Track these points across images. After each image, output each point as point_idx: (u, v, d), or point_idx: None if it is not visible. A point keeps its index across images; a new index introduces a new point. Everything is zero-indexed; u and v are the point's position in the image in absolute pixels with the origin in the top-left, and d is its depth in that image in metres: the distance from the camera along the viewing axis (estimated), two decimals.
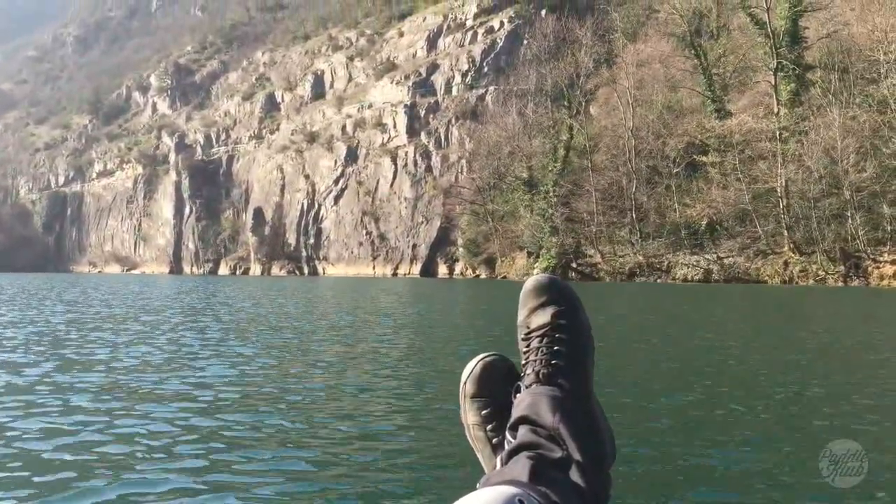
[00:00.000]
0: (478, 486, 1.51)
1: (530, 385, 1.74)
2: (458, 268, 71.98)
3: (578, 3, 77.38)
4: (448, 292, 30.77)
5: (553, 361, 1.75)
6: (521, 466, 1.52)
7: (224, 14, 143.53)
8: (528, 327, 1.84)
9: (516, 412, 1.69)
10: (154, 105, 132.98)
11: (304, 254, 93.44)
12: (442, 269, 74.69)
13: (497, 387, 1.80)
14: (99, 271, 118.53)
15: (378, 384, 6.14)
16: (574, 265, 53.10)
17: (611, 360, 7.49)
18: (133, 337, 9.89)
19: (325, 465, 3.67)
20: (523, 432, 1.63)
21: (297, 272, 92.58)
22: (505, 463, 1.60)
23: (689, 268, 46.33)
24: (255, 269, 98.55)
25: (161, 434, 4.32)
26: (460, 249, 71.22)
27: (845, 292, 30.14)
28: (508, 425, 1.69)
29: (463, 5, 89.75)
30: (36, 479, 3.47)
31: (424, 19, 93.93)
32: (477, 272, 66.72)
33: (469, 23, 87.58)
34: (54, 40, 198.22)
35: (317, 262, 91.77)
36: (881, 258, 38.17)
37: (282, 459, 3.76)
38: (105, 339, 9.65)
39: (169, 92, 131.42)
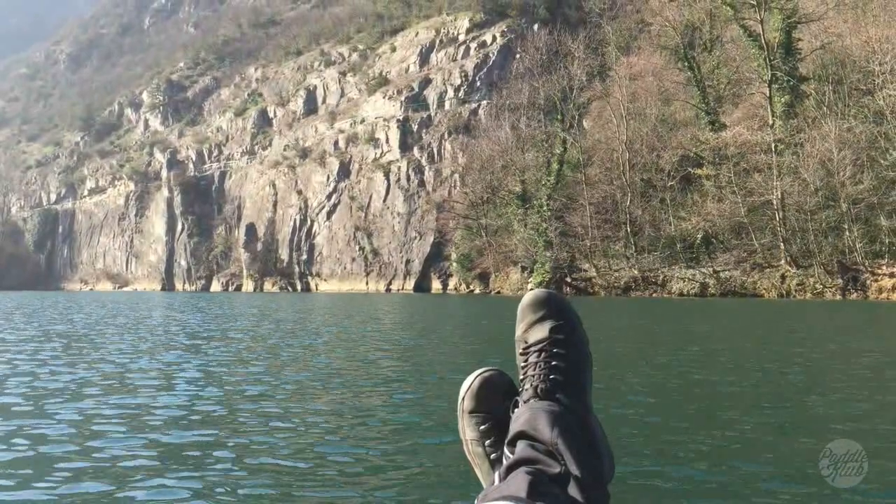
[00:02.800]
0: (476, 501, 1.54)
1: (528, 400, 1.74)
2: (452, 283, 71.36)
3: (570, 16, 77.40)
4: (443, 309, 30.23)
5: (551, 376, 1.75)
6: (519, 482, 1.53)
7: (216, 30, 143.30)
8: (526, 342, 1.85)
9: (514, 427, 1.69)
10: (146, 121, 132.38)
11: (296, 270, 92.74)
12: (435, 285, 74.13)
13: (495, 402, 1.81)
14: (91, 289, 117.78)
15: (374, 399, 6.09)
16: (568, 280, 52.61)
17: (607, 376, 7.32)
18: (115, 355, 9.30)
19: (319, 482, 3.61)
20: (521, 447, 1.64)
21: (290, 288, 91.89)
22: (503, 478, 1.61)
23: (684, 282, 45.88)
24: (248, 286, 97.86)
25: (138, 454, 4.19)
26: (454, 264, 70.62)
27: (843, 306, 29.64)
28: (507, 440, 1.70)
29: (455, 20, 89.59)
30: None
31: (417, 34, 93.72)
32: (471, 287, 66.14)
33: (461, 37, 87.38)
34: (47, 58, 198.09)
35: (309, 277, 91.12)
36: (879, 271, 37.73)
37: (274, 476, 3.69)
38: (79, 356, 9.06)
39: (161, 108, 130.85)
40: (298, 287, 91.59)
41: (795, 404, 5.85)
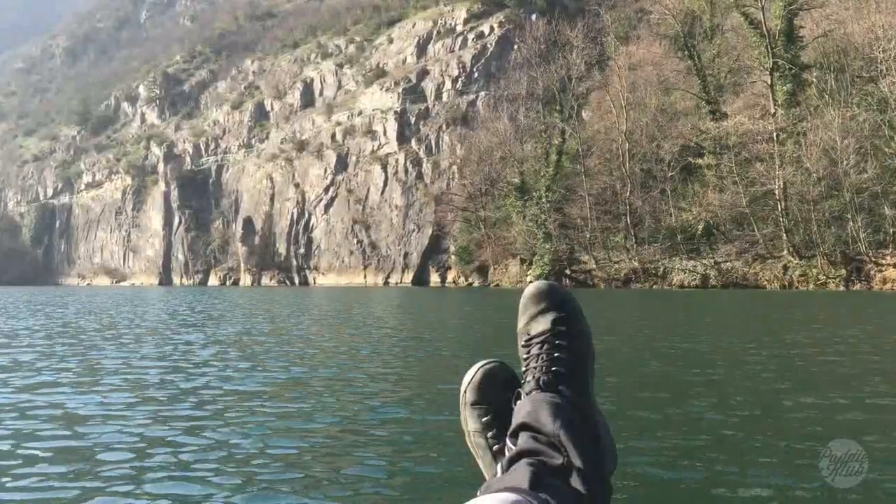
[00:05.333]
0: (478, 493, 1.54)
1: (531, 392, 1.75)
2: (451, 276, 70.89)
3: (568, 6, 76.64)
4: (443, 304, 29.76)
5: (553, 368, 1.76)
6: (521, 473, 1.54)
7: (213, 23, 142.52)
8: (528, 334, 1.85)
9: (517, 419, 1.70)
10: (143, 115, 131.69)
11: (294, 263, 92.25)
12: (434, 278, 73.63)
13: (497, 394, 1.81)
14: (88, 284, 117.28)
15: (375, 392, 6.08)
16: (568, 272, 52.13)
17: (610, 369, 7.24)
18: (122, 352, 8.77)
19: (321, 476, 3.57)
20: (524, 439, 1.65)
21: (288, 282, 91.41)
22: (505, 470, 1.62)
23: (685, 273, 45.39)
24: (245, 280, 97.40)
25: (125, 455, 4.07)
26: (452, 257, 70.19)
27: (847, 297, 29.16)
28: (509, 432, 1.71)
29: (452, 11, 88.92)
30: None
31: (414, 25, 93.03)
32: (470, 280, 65.69)
33: (459, 28, 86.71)
34: (43, 52, 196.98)
35: (307, 271, 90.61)
36: (883, 261, 37.25)
37: (276, 473, 3.62)
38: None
39: (158, 102, 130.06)
40: (296, 281, 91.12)
41: (792, 400, 5.65)
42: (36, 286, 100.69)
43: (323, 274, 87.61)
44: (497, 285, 58.95)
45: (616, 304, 24.83)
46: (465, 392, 1.85)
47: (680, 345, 10.21)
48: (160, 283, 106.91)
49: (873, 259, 37.49)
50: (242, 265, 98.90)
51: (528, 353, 1.83)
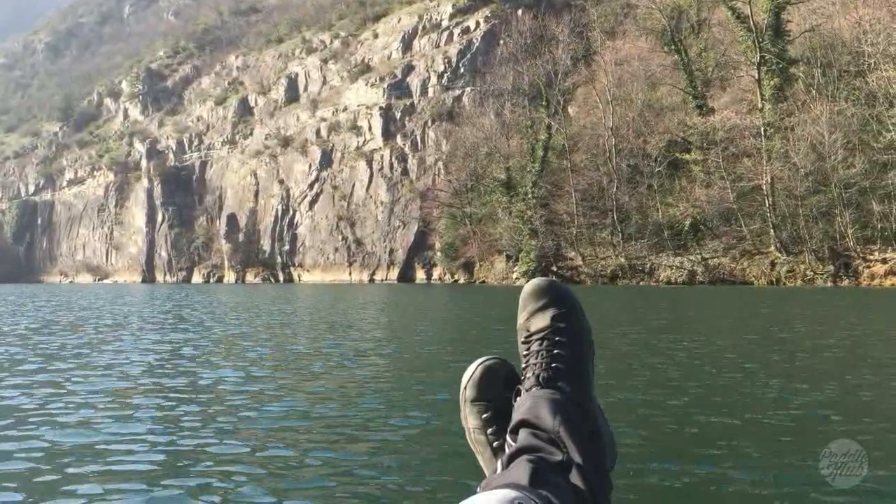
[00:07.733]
0: (478, 489, 1.55)
1: (530, 388, 1.76)
2: (437, 272, 70.43)
3: (555, 1, 76.19)
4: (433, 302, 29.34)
5: (553, 364, 1.76)
6: (521, 470, 1.55)
7: (196, 18, 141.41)
8: (528, 330, 1.85)
9: (517, 415, 1.71)
10: (125, 111, 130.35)
11: (278, 260, 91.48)
12: (420, 274, 73.16)
13: (497, 390, 1.82)
14: (70, 281, 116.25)
15: (374, 390, 6.09)
16: (554, 268, 51.75)
17: (609, 365, 7.31)
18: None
19: (322, 472, 3.57)
20: (524, 436, 1.66)
21: (272, 279, 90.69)
22: (505, 466, 1.63)
23: (672, 269, 45.12)
24: (230, 277, 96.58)
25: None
26: (438, 254, 69.67)
27: (834, 293, 28.90)
28: (509, 429, 1.71)
29: (438, 6, 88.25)
30: None
31: (399, 20, 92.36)
32: (455, 277, 65.22)
33: (444, 23, 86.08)
34: (25, 48, 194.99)
35: (292, 268, 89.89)
36: (871, 257, 37.04)
37: (278, 471, 3.61)
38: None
39: (141, 98, 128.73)
40: (281, 278, 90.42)
41: (785, 397, 5.70)
42: (17, 284, 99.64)
43: (308, 271, 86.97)
44: (483, 282, 58.56)
45: (605, 301, 24.48)
46: (465, 388, 1.83)
47: (671, 343, 9.84)
48: (143, 281, 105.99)
49: (861, 255, 37.30)
50: (226, 262, 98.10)
51: (528, 349, 1.81)
